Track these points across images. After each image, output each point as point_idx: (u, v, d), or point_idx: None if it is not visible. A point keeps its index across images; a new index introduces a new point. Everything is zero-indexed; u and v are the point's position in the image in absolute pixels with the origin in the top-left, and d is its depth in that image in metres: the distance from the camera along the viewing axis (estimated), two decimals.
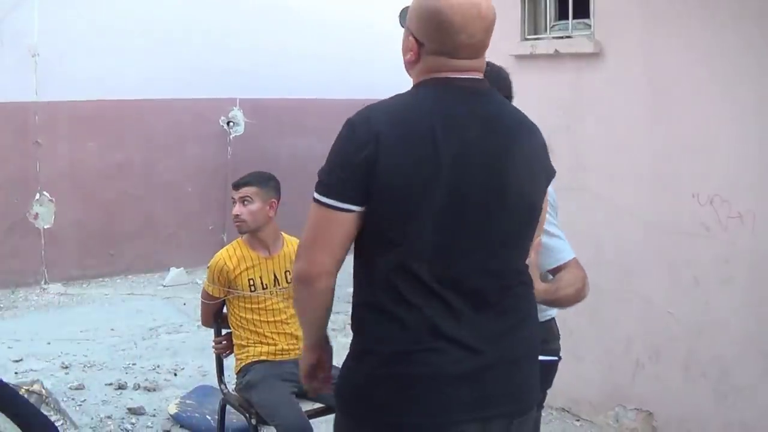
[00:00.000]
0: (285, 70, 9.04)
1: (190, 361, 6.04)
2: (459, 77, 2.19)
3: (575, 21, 5.03)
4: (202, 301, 4.19)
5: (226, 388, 4.19)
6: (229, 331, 4.15)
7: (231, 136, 9.21)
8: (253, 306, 4.03)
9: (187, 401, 5.09)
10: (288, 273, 4.06)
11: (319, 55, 9.18)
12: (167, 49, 8.55)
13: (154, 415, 5.09)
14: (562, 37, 5.10)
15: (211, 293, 4.06)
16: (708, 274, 4.38)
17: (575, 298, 2.86)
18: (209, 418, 4.81)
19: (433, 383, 2.13)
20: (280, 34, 9.04)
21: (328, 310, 2.24)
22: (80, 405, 5.22)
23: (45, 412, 5.14)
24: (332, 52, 9.24)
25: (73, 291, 8.18)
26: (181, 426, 4.93)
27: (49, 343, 6.45)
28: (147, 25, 8.49)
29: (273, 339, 4.02)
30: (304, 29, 9.17)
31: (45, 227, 8.26)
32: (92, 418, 5.03)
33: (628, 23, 4.68)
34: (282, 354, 4.02)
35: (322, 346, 2.39)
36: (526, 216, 2.28)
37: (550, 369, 3.23)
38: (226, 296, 4.04)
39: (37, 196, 8.20)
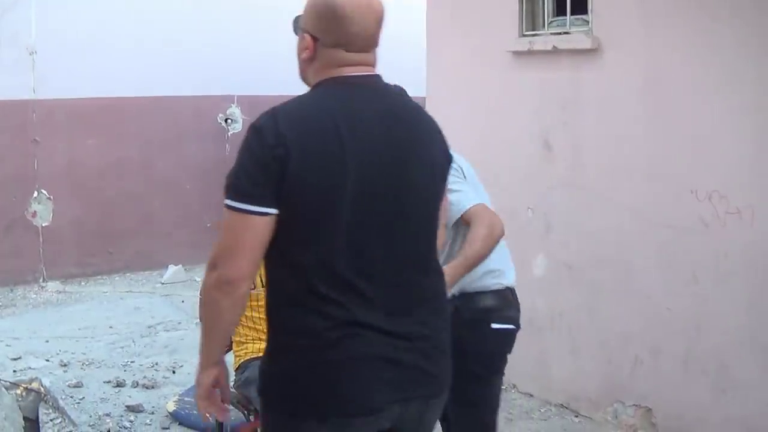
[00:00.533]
0: (283, 67, 8.98)
1: (189, 358, 6.03)
2: (356, 75, 2.29)
3: (573, 17, 5.03)
4: (200, 298, 4.18)
5: None
6: None
7: (229, 133, 9.20)
8: (252, 303, 3.98)
9: (186, 398, 5.07)
10: None
11: None
12: (165, 46, 8.54)
13: (152, 413, 5.09)
14: (560, 33, 5.09)
15: None
16: (706, 270, 4.38)
17: (486, 245, 3.06)
18: (208, 415, 4.80)
19: (356, 368, 2.22)
20: (278, 31, 9.00)
21: (238, 320, 2.34)
22: (79, 403, 5.22)
23: (44, 410, 5.15)
24: None
25: (72, 289, 8.17)
26: (180, 423, 4.92)
27: (47, 341, 6.45)
28: (145, 23, 8.48)
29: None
30: None
31: (43, 225, 8.25)
32: (91, 416, 5.02)
33: (627, 19, 4.68)
34: None
35: (221, 363, 2.42)
36: (432, 206, 2.39)
37: (507, 337, 3.30)
38: None
39: (36, 194, 8.20)
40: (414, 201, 2.30)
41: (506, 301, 3.31)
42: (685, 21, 4.41)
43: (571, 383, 5.16)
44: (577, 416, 5.11)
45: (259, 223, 2.15)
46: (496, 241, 3.11)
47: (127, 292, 8.12)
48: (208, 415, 2.49)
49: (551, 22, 5.22)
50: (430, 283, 2.39)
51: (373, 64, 2.33)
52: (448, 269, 2.76)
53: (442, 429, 3.29)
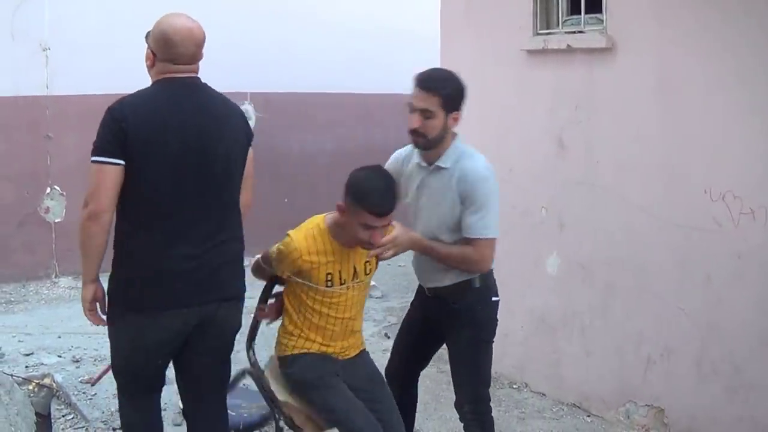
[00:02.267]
0: (295, 64, 9.03)
1: None
2: (180, 76, 3.35)
3: (587, 16, 5.02)
4: (258, 259, 3.77)
5: (255, 355, 3.81)
6: (281, 290, 3.77)
7: None
8: (324, 299, 3.60)
9: None
10: (368, 263, 3.67)
11: (329, 50, 9.16)
12: None
13: (164, 409, 5.05)
14: (574, 32, 5.09)
15: (273, 265, 3.63)
16: (720, 271, 4.36)
17: (460, 265, 3.70)
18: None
19: (168, 278, 3.30)
20: (291, 29, 9.03)
21: (106, 243, 3.30)
22: (91, 399, 5.23)
23: (56, 406, 5.16)
24: (341, 46, 9.23)
25: None
26: None
27: (59, 337, 6.47)
28: (157, 20, 8.48)
29: (330, 341, 3.67)
30: (314, 24, 9.16)
31: (56, 221, 8.27)
32: (103, 412, 5.04)
33: (641, 18, 4.66)
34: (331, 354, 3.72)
35: (98, 281, 3.40)
36: (233, 170, 3.46)
37: (498, 307, 3.93)
38: (288, 279, 3.64)
39: (48, 190, 8.22)
40: (219, 166, 3.34)
41: (493, 279, 3.90)
42: (698, 20, 4.39)
43: (584, 383, 5.16)
44: (589, 416, 5.10)
45: (113, 170, 3.18)
46: (471, 271, 3.73)
47: None
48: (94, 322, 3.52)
49: (565, 20, 5.21)
50: (227, 222, 3.43)
51: (195, 71, 3.41)
52: (431, 242, 3.66)
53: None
